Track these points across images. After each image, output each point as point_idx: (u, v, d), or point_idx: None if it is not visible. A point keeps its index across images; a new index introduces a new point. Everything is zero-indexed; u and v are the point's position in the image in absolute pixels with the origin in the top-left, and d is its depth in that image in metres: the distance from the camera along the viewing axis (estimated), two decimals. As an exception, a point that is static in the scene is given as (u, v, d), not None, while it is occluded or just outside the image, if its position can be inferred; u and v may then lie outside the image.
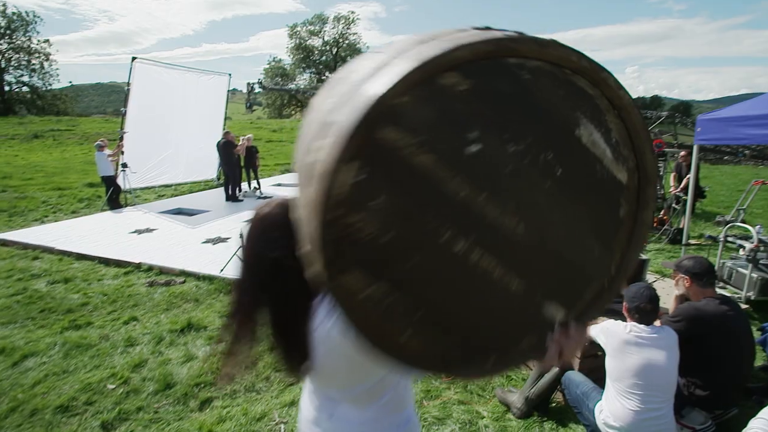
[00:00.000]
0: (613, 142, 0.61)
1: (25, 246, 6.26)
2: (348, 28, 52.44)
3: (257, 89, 9.89)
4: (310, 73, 51.80)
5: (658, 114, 8.45)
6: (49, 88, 41.79)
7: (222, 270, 5.02)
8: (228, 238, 6.47)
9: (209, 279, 4.93)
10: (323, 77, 51.29)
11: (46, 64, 40.76)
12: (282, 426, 2.54)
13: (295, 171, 0.67)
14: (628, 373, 1.94)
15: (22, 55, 39.84)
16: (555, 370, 2.59)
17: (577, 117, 0.57)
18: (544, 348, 0.66)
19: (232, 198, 9.60)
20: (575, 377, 2.38)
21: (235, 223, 7.47)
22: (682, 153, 8.09)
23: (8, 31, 38.88)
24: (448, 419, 2.59)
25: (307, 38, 51.75)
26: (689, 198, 5.12)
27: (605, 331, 2.11)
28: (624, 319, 2.14)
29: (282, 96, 50.24)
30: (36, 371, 3.14)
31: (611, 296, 0.70)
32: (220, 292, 4.65)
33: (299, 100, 51.02)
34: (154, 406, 2.75)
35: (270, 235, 0.90)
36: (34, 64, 40.32)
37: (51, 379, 3.03)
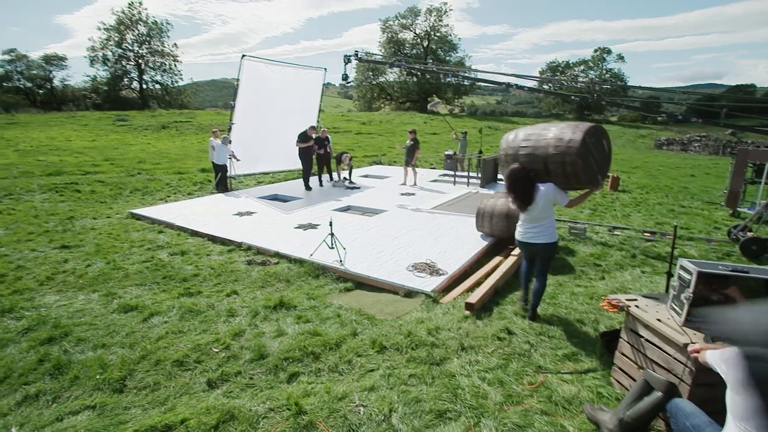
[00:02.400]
0: (606, 143, 3.94)
1: (153, 221, 7.33)
2: (440, 20, 51.67)
3: (353, 60, 10.21)
4: (401, 66, 52.32)
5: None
6: (175, 85, 48.38)
7: (311, 255, 5.35)
8: (318, 225, 6.87)
9: (300, 262, 5.29)
10: (413, 70, 51.41)
11: (174, 64, 47.26)
12: (361, 409, 2.62)
13: (537, 151, 3.83)
14: (758, 414, 1.65)
15: (156, 58, 46.74)
16: (658, 393, 2.30)
17: (601, 138, 3.86)
18: (599, 184, 3.84)
19: (307, 186, 10.13)
20: (685, 406, 2.10)
21: (325, 211, 7.89)
22: None
23: (148, 38, 45.96)
24: (529, 428, 2.47)
25: (398, 31, 52.15)
26: None
27: (727, 361, 1.80)
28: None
29: (372, 89, 51.53)
30: (159, 328, 3.68)
31: (606, 172, 4.02)
32: (309, 276, 4.96)
33: (389, 94, 51.86)
34: (249, 373, 3.05)
35: (526, 172, 3.75)
36: (164, 65, 47.01)
37: (170, 337, 3.53)
